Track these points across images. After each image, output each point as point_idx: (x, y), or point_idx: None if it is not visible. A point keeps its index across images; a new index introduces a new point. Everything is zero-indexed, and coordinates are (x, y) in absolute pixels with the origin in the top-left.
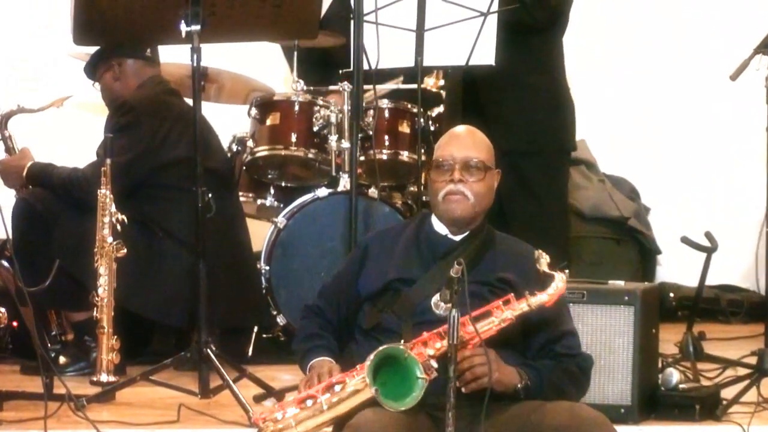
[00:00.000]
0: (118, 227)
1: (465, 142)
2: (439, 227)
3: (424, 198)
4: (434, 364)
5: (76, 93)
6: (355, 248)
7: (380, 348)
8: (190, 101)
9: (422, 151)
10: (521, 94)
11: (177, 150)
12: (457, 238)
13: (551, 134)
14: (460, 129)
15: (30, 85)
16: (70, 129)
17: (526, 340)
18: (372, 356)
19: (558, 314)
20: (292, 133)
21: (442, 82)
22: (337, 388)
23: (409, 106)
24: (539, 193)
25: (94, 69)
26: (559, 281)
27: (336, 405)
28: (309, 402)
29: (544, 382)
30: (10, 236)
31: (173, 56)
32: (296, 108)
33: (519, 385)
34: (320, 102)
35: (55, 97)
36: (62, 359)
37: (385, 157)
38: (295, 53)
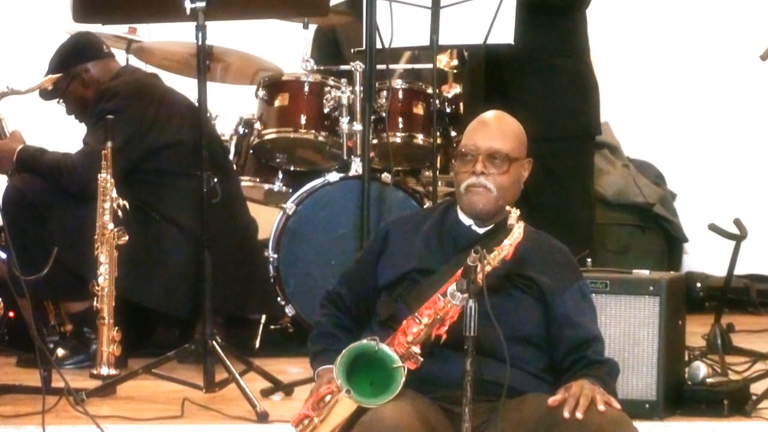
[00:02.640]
0: (120, 213)
1: (491, 132)
2: (464, 218)
3: (440, 183)
4: (416, 350)
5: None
6: (376, 233)
7: (346, 348)
8: (195, 82)
9: (438, 133)
10: (546, 77)
11: (167, 133)
12: (482, 230)
13: (576, 119)
14: (489, 116)
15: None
16: (62, 112)
17: (551, 339)
18: (339, 358)
19: (586, 315)
20: (302, 115)
21: (455, 62)
22: (328, 398)
23: (424, 86)
24: (564, 181)
25: (53, 88)
26: (515, 232)
27: (327, 417)
28: (306, 421)
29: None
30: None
31: (177, 34)
32: (306, 88)
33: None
34: (331, 82)
35: (43, 77)
36: (61, 351)
37: (398, 140)
38: (313, 34)
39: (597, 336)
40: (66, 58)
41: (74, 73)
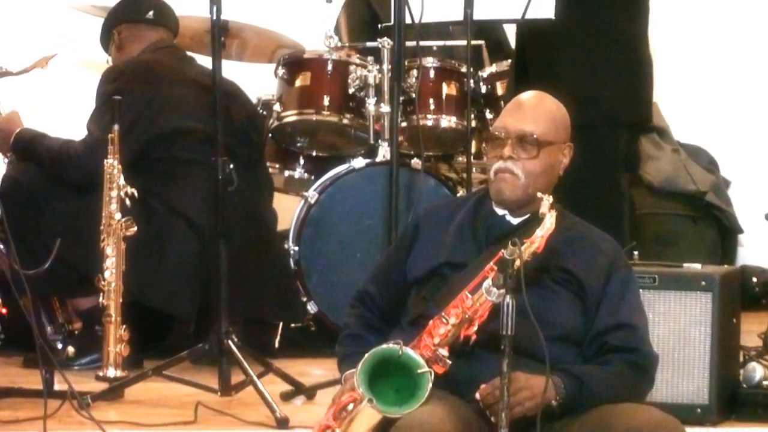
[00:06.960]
0: (128, 202)
1: (523, 113)
2: (498, 207)
3: (474, 169)
4: (444, 353)
5: (65, 52)
6: (406, 226)
7: (368, 353)
8: (209, 60)
9: (472, 116)
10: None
11: (177, 117)
12: (517, 220)
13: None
14: (525, 96)
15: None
16: (59, 96)
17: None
18: (360, 364)
19: (618, 302)
20: (325, 96)
21: None
22: (350, 407)
23: (457, 65)
24: (583, 169)
25: (104, 42)
26: (547, 222)
27: (349, 427)
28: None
29: (584, 395)
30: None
31: (190, 9)
32: (329, 67)
33: (554, 402)
34: (356, 60)
35: (37, 57)
36: (70, 351)
37: (429, 123)
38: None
39: (627, 323)
40: (110, 15)
41: (110, 33)
